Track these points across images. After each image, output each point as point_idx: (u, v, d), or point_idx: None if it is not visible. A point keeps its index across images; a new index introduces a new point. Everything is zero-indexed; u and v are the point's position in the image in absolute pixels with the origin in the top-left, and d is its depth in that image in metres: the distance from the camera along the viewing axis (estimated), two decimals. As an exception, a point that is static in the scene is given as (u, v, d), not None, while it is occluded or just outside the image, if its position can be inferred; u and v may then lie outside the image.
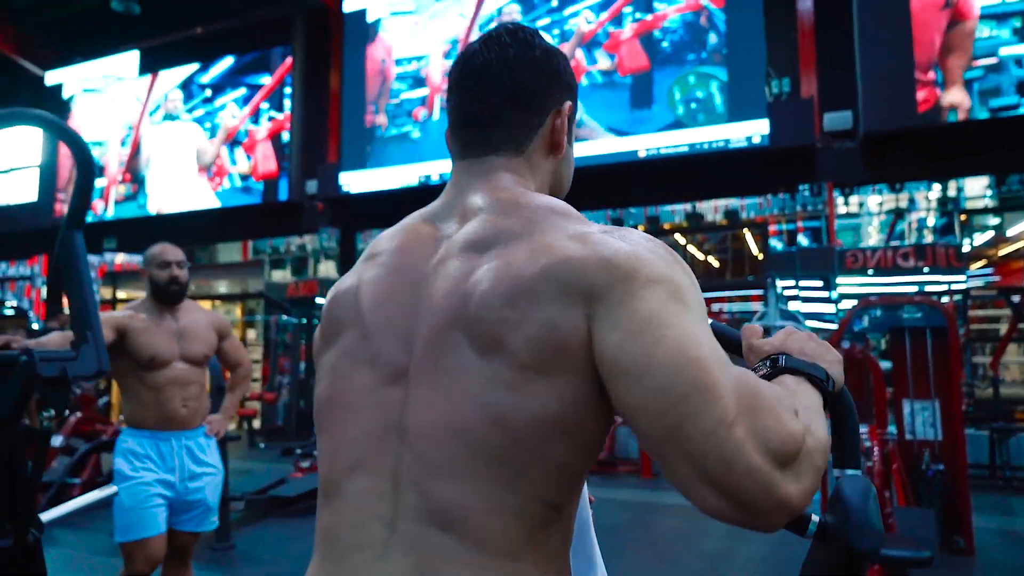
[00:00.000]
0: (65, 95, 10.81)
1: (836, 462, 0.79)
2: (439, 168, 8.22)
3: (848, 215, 7.48)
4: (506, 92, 0.81)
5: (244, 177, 9.44)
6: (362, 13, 8.92)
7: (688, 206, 8.56)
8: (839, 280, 6.98)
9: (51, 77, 10.91)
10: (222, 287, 13.89)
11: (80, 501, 2.21)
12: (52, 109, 10.81)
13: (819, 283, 7.09)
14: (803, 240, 7.37)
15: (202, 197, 9.61)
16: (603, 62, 7.58)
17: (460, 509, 0.64)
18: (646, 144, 7.28)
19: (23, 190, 11.53)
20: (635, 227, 10.55)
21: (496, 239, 0.72)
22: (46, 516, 2.08)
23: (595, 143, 7.48)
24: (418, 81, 8.55)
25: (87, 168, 1.99)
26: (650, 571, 3.75)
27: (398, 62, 8.69)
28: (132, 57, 10.23)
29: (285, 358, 9.73)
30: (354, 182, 8.75)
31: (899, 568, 0.67)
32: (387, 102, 8.68)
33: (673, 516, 5.06)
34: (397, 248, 0.80)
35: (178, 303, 2.59)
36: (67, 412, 5.39)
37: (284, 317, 9.57)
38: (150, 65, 10.15)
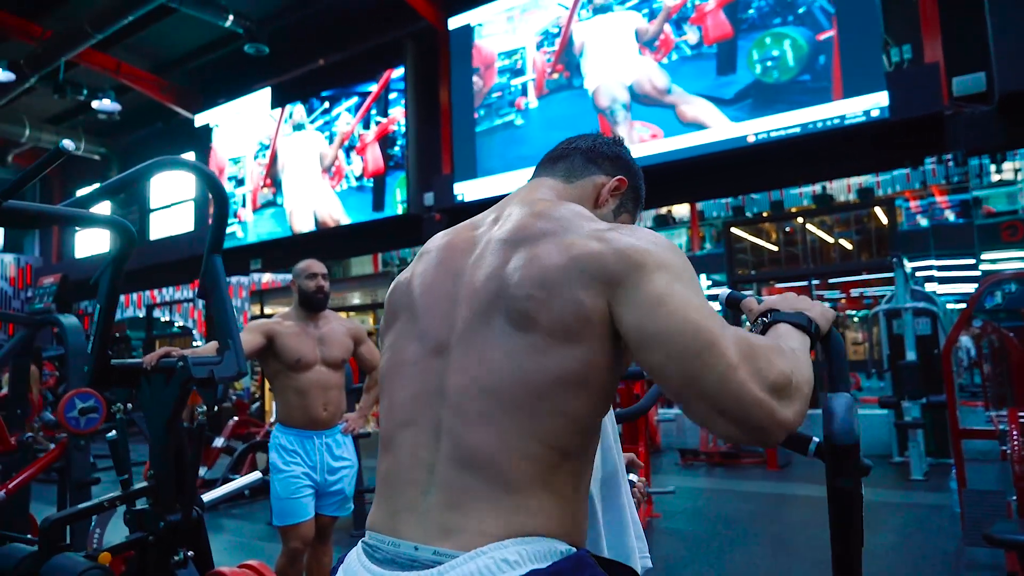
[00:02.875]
0: (214, 130, 12.01)
1: (829, 387, 0.97)
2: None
3: (1001, 183, 6.91)
4: (582, 148, 1.10)
5: (358, 177, 10.09)
6: (467, 29, 9.28)
7: (817, 187, 8.22)
8: (984, 256, 6.46)
9: (199, 119, 12.16)
10: (355, 298, 14.85)
11: (231, 485, 2.58)
12: (201, 147, 12.06)
13: (959, 261, 6.60)
14: (950, 215, 6.91)
15: (332, 212, 10.32)
16: (691, 35, 7.48)
17: (484, 453, 0.80)
18: (754, 129, 7.08)
19: (182, 222, 12.93)
20: (759, 214, 10.26)
21: (528, 236, 0.88)
22: (207, 497, 2.46)
23: (700, 134, 7.37)
24: (516, 72, 8.79)
25: (222, 203, 2.34)
26: (773, 562, 3.72)
27: (499, 56, 8.95)
28: (265, 94, 11.20)
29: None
30: (468, 191, 9.11)
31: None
32: (488, 97, 8.97)
33: (798, 508, 4.94)
34: (443, 246, 0.99)
35: (321, 311, 2.93)
36: (216, 408, 6.04)
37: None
38: (280, 99, 11.07)
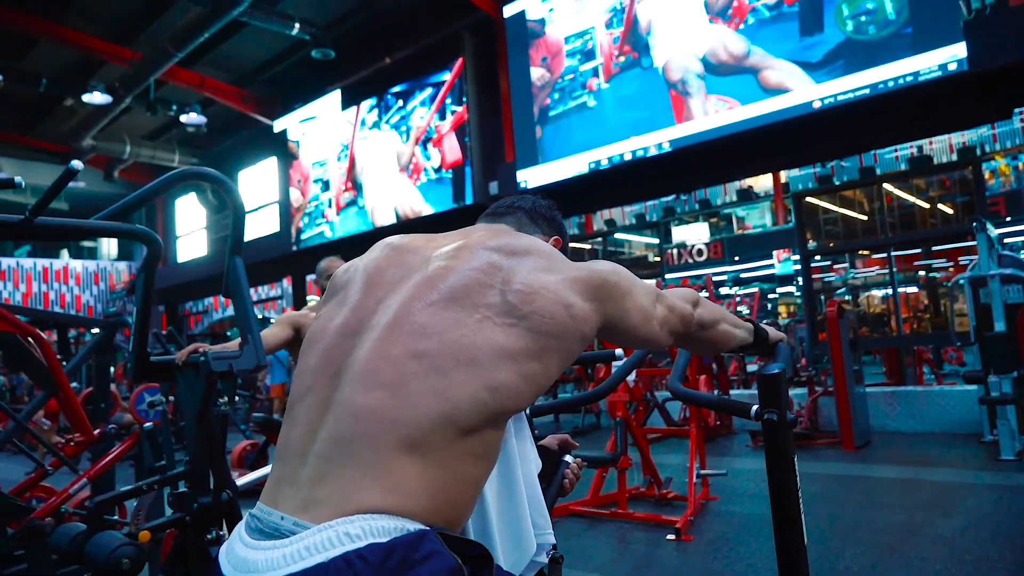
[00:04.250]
0: (289, 136, 12.58)
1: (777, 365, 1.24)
2: (608, 152, 8.32)
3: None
4: (524, 207, 1.29)
5: (436, 169, 10.23)
6: (522, 15, 9.29)
7: (913, 149, 7.75)
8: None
9: (278, 125, 12.76)
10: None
11: (262, 471, 2.76)
12: (282, 152, 12.63)
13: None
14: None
15: (413, 205, 10.57)
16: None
17: (360, 429, 0.84)
18: (819, 93, 6.74)
19: (268, 223, 13.63)
20: (845, 180, 9.75)
21: (517, 250, 1.02)
22: (240, 481, 2.64)
23: (778, 99, 7.07)
24: (586, 55, 8.70)
25: (238, 209, 2.49)
26: (823, 547, 3.60)
27: (567, 39, 8.89)
28: (335, 96, 11.62)
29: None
30: (531, 177, 9.15)
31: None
32: (558, 80, 8.92)
33: (865, 489, 4.73)
34: (404, 242, 1.09)
35: None
36: (234, 399, 6.39)
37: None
38: (350, 100, 11.45)
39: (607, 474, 4.67)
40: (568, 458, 1.34)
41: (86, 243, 20.29)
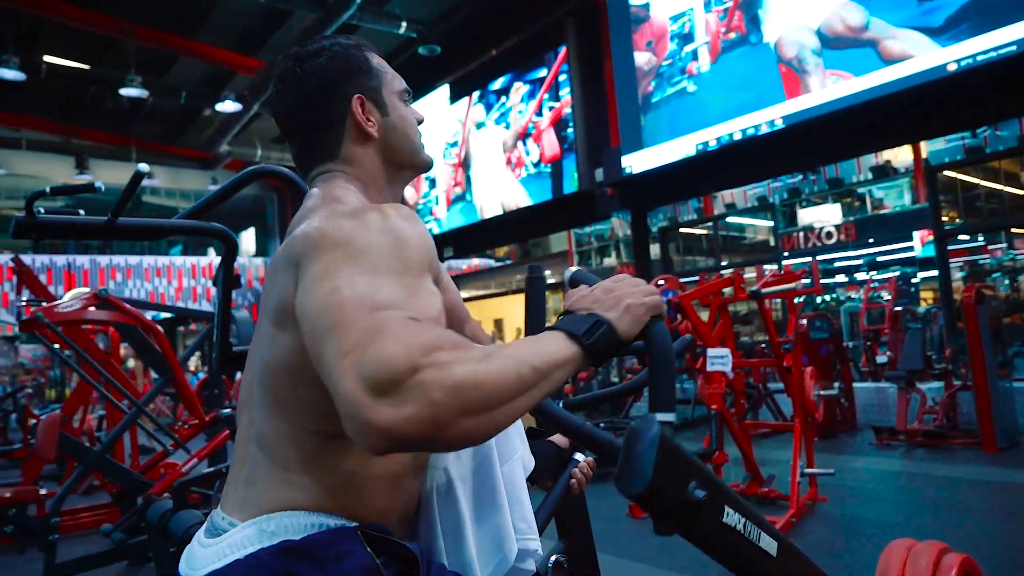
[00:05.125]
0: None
1: (650, 405, 0.77)
2: (716, 133, 7.93)
3: None
4: (289, 123, 1.02)
5: (535, 164, 10.27)
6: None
7: None
8: None
9: (392, 122, 13.21)
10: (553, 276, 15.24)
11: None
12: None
13: None
14: None
15: (517, 199, 10.65)
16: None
17: (266, 435, 0.85)
18: (955, 55, 6.05)
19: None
20: (1002, 149, 8.81)
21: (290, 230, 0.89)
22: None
23: (884, 72, 6.46)
24: (684, 38, 8.35)
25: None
26: (980, 561, 3.24)
27: (671, 20, 8.57)
28: (444, 91, 11.85)
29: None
30: (636, 162, 8.90)
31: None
32: (662, 64, 8.62)
33: (1003, 496, 4.22)
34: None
35: None
36: None
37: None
38: (457, 94, 11.65)
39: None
40: (579, 456, 1.26)
41: (228, 241, 22.03)
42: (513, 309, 14.15)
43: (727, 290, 4.42)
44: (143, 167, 1.98)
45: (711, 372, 4.08)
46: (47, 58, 11.80)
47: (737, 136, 7.74)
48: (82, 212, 2.14)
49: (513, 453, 1.06)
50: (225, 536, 0.81)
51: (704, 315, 4.32)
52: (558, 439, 1.27)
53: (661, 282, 4.44)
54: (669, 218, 12.30)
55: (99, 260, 15.61)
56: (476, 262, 17.72)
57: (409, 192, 12.91)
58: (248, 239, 21.38)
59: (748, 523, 0.82)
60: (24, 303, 3.98)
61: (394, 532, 0.86)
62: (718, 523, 0.79)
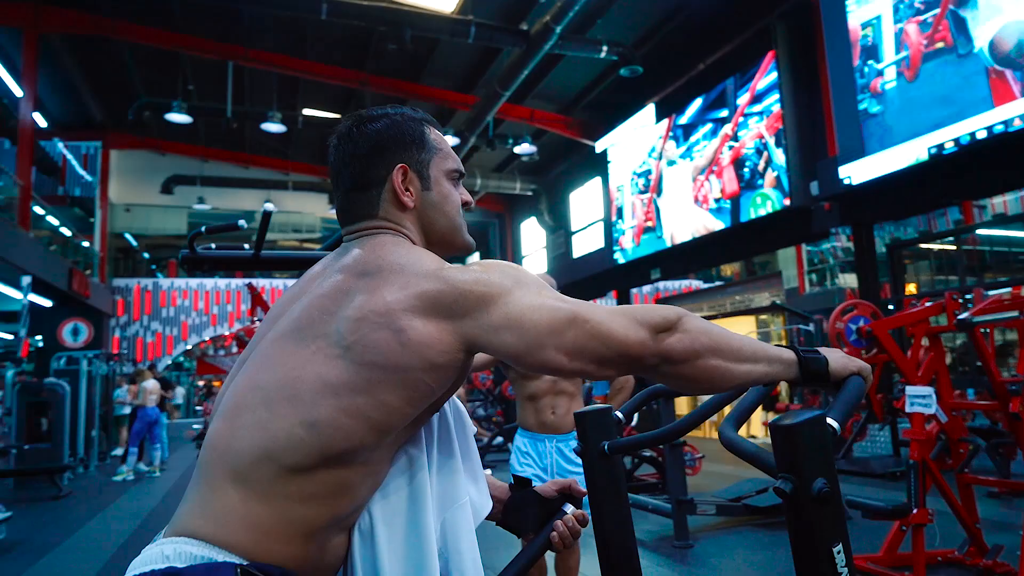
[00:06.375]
0: (609, 157, 13.05)
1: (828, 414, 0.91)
2: (954, 133, 6.84)
3: None
4: (342, 183, 1.05)
5: (716, 199, 9.91)
6: (841, -8, 8.21)
7: None
8: None
9: (599, 146, 13.34)
10: (763, 299, 14.22)
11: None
12: (603, 170, 13.16)
13: None
14: None
15: (704, 223, 10.24)
16: None
17: (208, 455, 0.87)
18: None
19: (595, 240, 14.30)
20: None
21: (352, 266, 0.95)
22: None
23: None
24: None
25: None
26: None
27: (863, 25, 7.67)
28: (649, 111, 11.70)
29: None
30: (855, 172, 7.98)
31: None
32: (871, 66, 7.72)
33: None
34: (311, 270, 1.09)
35: None
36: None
37: (805, 327, 9.28)
38: (663, 112, 11.43)
39: (908, 528, 3.82)
40: (569, 508, 1.15)
41: (453, 264, 23.74)
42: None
43: (936, 318, 3.76)
44: (269, 206, 2.23)
45: (912, 414, 3.50)
46: (305, 111, 13.81)
47: (982, 135, 6.60)
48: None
49: (457, 498, 1.01)
50: (151, 545, 0.86)
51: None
52: (545, 488, 1.17)
53: (851, 307, 3.91)
54: (921, 231, 10.83)
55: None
56: (689, 283, 17.12)
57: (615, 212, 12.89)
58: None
59: None
60: (254, 322, 4.64)
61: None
62: None
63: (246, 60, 11.45)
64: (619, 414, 1.49)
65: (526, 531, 1.15)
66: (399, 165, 1.02)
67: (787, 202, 8.92)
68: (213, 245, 2.58)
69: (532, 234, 17.99)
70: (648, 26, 10.50)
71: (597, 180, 14.10)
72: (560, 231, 16.19)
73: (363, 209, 1.03)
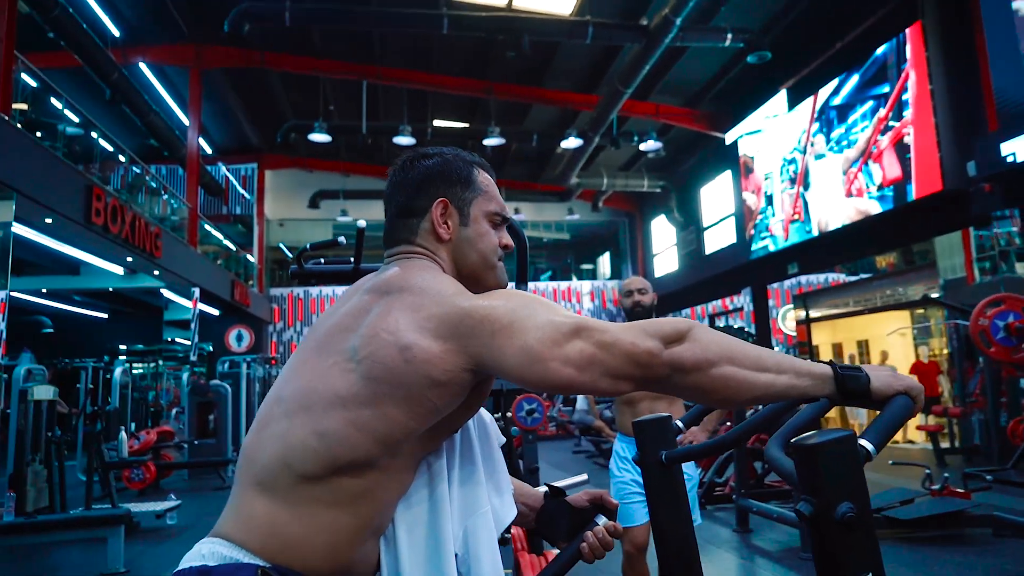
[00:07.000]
0: (741, 150, 12.45)
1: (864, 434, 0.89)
2: None
3: None
4: (391, 207, 1.13)
5: (879, 187, 8.95)
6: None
7: None
8: None
9: (729, 137, 12.80)
10: (916, 293, 12.99)
11: (565, 481, 2.89)
12: (734, 162, 12.62)
13: None
14: None
15: (855, 209, 9.48)
16: None
17: (244, 461, 0.97)
18: None
19: (726, 235, 13.74)
20: None
21: (378, 285, 1.01)
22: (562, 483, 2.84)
23: None
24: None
25: (520, 242, 2.73)
26: None
27: None
28: (781, 97, 11.08)
29: (971, 368, 8.52)
30: (1021, 149, 7.12)
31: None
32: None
33: None
34: (343, 294, 1.18)
35: None
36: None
37: (964, 323, 8.38)
38: (795, 99, 10.77)
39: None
40: (600, 519, 1.14)
41: (585, 265, 23.70)
42: (879, 328, 12.35)
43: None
44: (361, 223, 2.38)
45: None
46: (435, 122, 14.37)
47: None
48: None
49: (479, 507, 1.04)
50: (200, 542, 0.97)
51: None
52: (577, 498, 1.18)
53: (998, 301, 3.51)
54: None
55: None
56: (836, 277, 15.98)
57: (751, 200, 12.21)
58: (604, 263, 22.67)
59: None
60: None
61: None
62: None
63: (378, 78, 12.13)
64: (679, 423, 1.46)
65: (558, 540, 1.16)
66: (440, 199, 1.09)
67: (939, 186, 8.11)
68: (323, 260, 2.78)
69: (662, 232, 17.58)
70: (776, 8, 9.96)
71: (727, 173, 13.54)
72: (691, 227, 15.70)
73: (403, 234, 1.10)
